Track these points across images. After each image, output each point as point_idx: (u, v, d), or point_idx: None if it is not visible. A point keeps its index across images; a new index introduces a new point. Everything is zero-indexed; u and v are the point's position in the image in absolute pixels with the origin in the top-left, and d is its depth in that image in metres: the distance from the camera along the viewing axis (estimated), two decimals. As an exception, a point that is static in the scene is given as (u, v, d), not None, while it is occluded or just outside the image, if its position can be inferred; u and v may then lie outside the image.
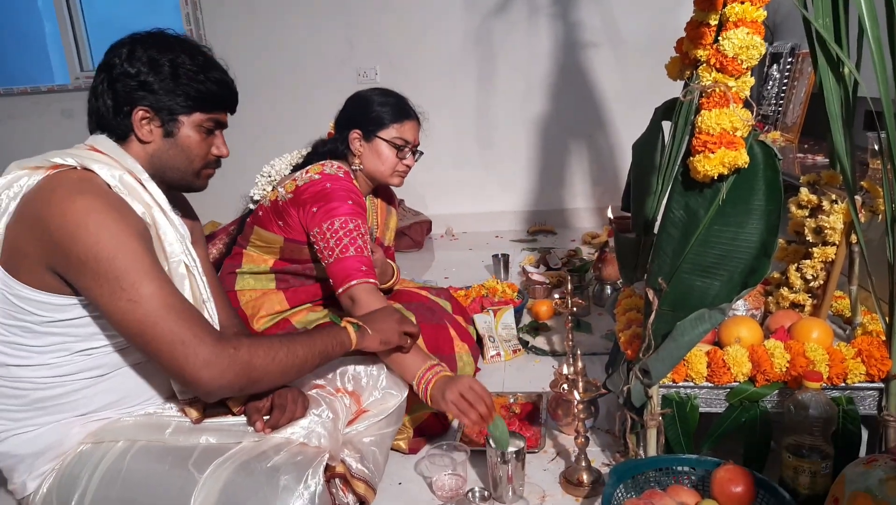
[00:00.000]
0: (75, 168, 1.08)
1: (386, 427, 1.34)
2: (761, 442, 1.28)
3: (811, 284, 1.40)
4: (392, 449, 1.48)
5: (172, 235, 1.13)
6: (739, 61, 1.15)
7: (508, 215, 3.64)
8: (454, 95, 3.52)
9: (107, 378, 1.14)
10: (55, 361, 1.09)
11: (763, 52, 1.16)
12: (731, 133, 1.15)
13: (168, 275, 1.09)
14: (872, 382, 1.24)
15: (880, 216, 1.28)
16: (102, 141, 1.14)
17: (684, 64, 1.42)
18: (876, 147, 1.84)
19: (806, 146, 2.43)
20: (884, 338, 1.26)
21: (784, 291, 1.45)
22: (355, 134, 1.65)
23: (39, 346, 1.08)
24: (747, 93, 1.18)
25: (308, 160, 1.69)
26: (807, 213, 1.45)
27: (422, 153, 1.74)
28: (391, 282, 1.83)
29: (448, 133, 3.57)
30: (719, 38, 1.19)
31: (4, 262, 1.06)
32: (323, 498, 1.06)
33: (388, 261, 1.85)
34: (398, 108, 1.67)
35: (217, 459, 1.08)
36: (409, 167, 1.71)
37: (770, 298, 1.50)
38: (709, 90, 1.19)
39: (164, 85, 1.12)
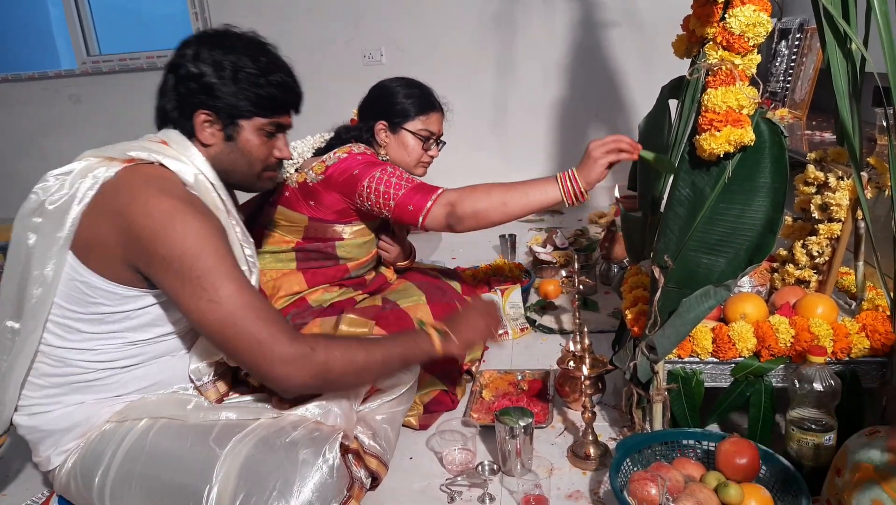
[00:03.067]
0: (151, 164, 1.10)
1: (397, 406, 1.38)
2: (766, 416, 1.30)
3: (816, 261, 1.41)
4: (403, 425, 1.51)
5: (235, 238, 1.15)
6: (746, 39, 1.15)
7: (515, 196, 3.64)
8: (463, 77, 3.51)
9: (143, 365, 1.17)
10: (102, 346, 1.12)
11: (770, 30, 1.17)
12: (737, 111, 1.16)
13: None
14: (876, 356, 1.26)
15: (886, 192, 1.29)
16: (175, 136, 1.15)
17: (691, 42, 1.43)
18: (883, 123, 1.84)
19: (814, 123, 2.42)
20: (888, 313, 1.28)
21: (790, 267, 1.46)
22: (381, 125, 1.68)
23: (92, 332, 1.11)
24: (753, 70, 1.18)
25: (331, 145, 1.70)
26: (813, 190, 1.46)
27: (444, 143, 1.76)
28: (410, 260, 1.86)
29: (458, 114, 3.54)
30: (726, 15, 1.19)
31: (77, 248, 1.08)
32: (340, 471, 1.10)
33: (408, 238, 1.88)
34: (424, 100, 1.69)
35: (237, 435, 1.11)
36: (433, 158, 1.74)
37: (776, 274, 1.51)
38: (715, 68, 1.19)
39: (226, 89, 1.13)
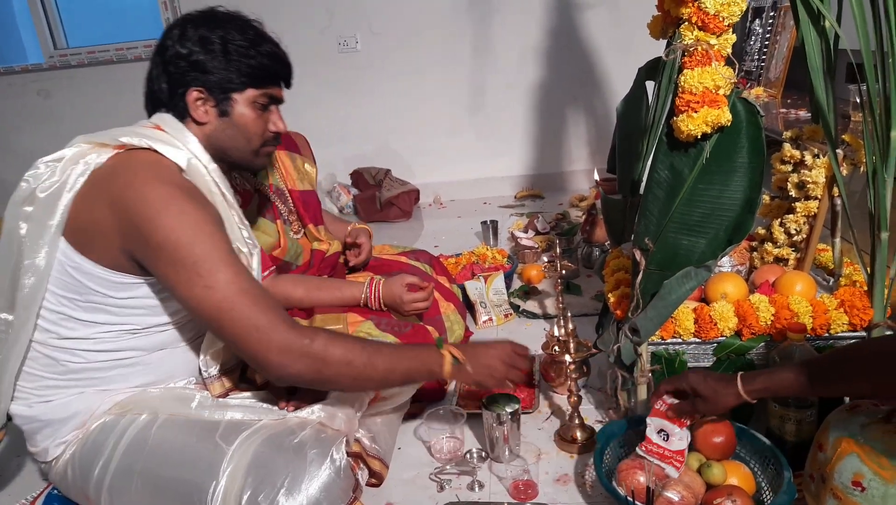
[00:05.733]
0: (144, 149, 1.08)
1: (394, 411, 1.39)
2: (748, 393, 1.32)
3: (794, 239, 1.43)
4: (390, 414, 1.51)
5: (233, 221, 1.14)
6: (721, 18, 1.15)
7: (496, 181, 3.64)
8: (441, 61, 3.47)
9: (141, 357, 1.16)
10: (100, 336, 1.11)
11: (744, 9, 1.16)
12: (714, 91, 1.16)
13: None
14: (855, 331, 1.27)
15: (861, 168, 1.30)
16: (168, 120, 1.14)
17: (666, 23, 1.42)
18: (857, 100, 1.85)
19: (789, 101, 2.44)
20: (866, 288, 1.30)
21: (768, 246, 1.47)
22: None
23: (88, 321, 1.10)
24: (729, 50, 1.18)
25: None
26: (790, 169, 1.47)
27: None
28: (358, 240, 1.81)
29: (435, 100, 3.54)
30: (700, -5, 1.18)
31: (69, 235, 1.06)
32: (347, 473, 1.09)
33: (343, 220, 1.85)
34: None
35: (245, 432, 1.10)
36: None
37: (755, 253, 1.52)
38: (691, 49, 1.19)
39: (216, 63, 1.12)
